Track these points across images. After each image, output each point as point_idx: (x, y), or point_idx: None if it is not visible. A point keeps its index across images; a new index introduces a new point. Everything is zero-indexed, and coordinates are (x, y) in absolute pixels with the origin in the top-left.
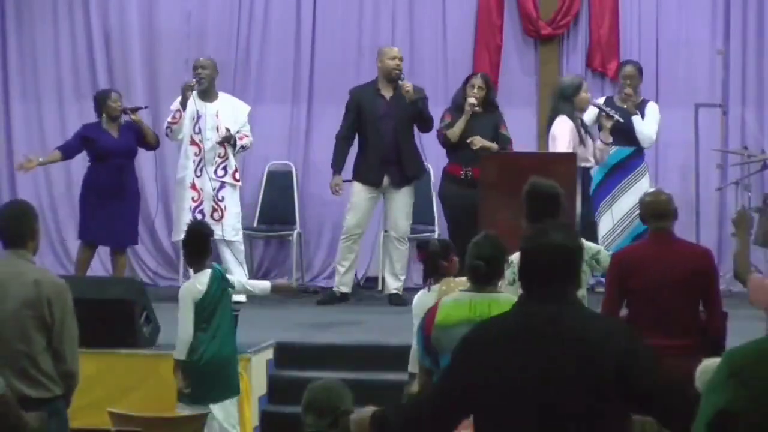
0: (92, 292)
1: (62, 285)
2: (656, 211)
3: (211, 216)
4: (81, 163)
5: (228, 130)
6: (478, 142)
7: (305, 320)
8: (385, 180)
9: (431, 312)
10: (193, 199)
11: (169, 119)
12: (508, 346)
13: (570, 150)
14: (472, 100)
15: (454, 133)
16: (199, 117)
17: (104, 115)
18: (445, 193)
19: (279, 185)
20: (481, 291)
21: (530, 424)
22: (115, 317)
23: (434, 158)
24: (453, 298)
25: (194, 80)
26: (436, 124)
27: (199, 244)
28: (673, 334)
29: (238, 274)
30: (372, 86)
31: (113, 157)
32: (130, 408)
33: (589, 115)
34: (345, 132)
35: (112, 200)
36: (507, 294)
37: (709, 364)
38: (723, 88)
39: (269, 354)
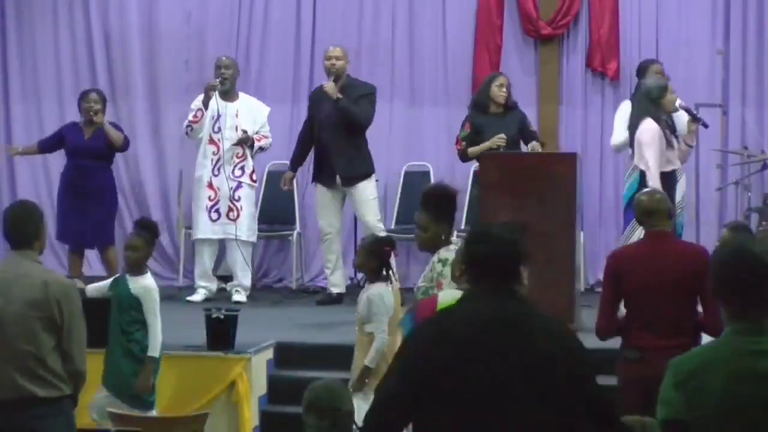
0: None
1: (71, 285)
2: (652, 211)
3: (227, 216)
4: None
5: (245, 131)
6: (536, 148)
7: (305, 320)
8: (338, 179)
9: (425, 305)
10: (209, 198)
11: (190, 118)
12: (460, 341)
13: (658, 154)
14: (502, 142)
15: (472, 155)
16: (218, 116)
17: (82, 114)
18: (472, 196)
19: (279, 185)
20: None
21: (483, 421)
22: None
23: (434, 158)
24: (451, 294)
25: (217, 80)
26: (438, 118)
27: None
28: (669, 333)
29: (242, 278)
30: (320, 87)
31: (80, 157)
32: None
33: (681, 118)
34: (303, 130)
35: (81, 200)
36: None
37: None
38: (723, 88)
39: (269, 354)
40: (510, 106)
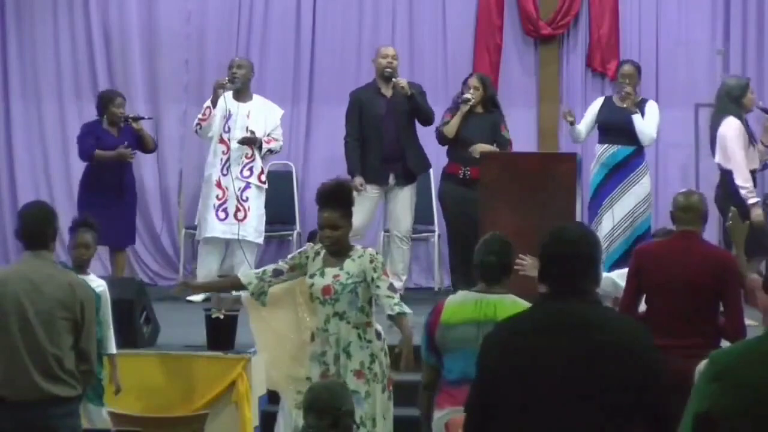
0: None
1: (91, 288)
2: (686, 207)
3: (235, 216)
4: (81, 162)
5: (252, 132)
6: (479, 149)
7: None
8: (391, 178)
9: (436, 310)
10: (217, 197)
11: (200, 116)
12: (532, 342)
13: (744, 152)
14: (467, 96)
15: (450, 128)
16: (229, 116)
17: (105, 117)
18: (444, 193)
19: (279, 185)
20: (489, 291)
21: (554, 421)
22: (115, 317)
23: (434, 158)
24: (461, 297)
25: (226, 78)
26: (438, 118)
27: None
28: (685, 334)
29: None
30: (372, 86)
31: (113, 158)
32: (130, 408)
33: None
34: (354, 134)
35: (110, 200)
36: (512, 296)
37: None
38: None
39: None
40: (489, 107)
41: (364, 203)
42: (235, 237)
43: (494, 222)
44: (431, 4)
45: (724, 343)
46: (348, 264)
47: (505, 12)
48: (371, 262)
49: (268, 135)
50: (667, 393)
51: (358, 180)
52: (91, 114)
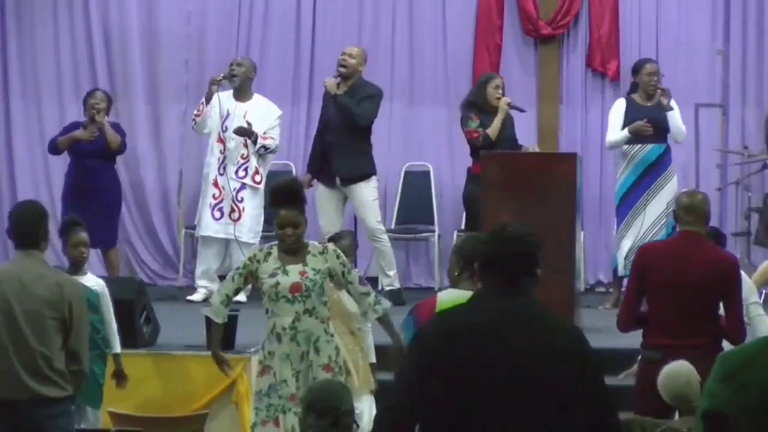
0: None
1: (81, 287)
2: (690, 208)
3: (230, 216)
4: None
5: (249, 123)
6: (534, 149)
7: None
8: (337, 180)
9: (426, 305)
10: (213, 196)
11: (195, 112)
12: (467, 340)
13: None
14: (508, 99)
15: (493, 131)
16: (227, 115)
17: (87, 113)
18: (470, 193)
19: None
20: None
21: (496, 419)
22: (115, 317)
23: (434, 158)
24: (454, 294)
25: (221, 75)
26: (437, 118)
27: None
28: (688, 334)
29: None
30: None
31: (86, 157)
32: (130, 408)
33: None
34: (316, 134)
35: (86, 200)
36: None
37: (665, 371)
38: (723, 88)
39: None
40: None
41: (324, 201)
42: (230, 237)
43: (494, 222)
44: (431, 4)
45: (725, 344)
46: (311, 260)
47: (505, 12)
48: (338, 257)
49: (265, 133)
50: (606, 390)
51: (306, 177)
52: None
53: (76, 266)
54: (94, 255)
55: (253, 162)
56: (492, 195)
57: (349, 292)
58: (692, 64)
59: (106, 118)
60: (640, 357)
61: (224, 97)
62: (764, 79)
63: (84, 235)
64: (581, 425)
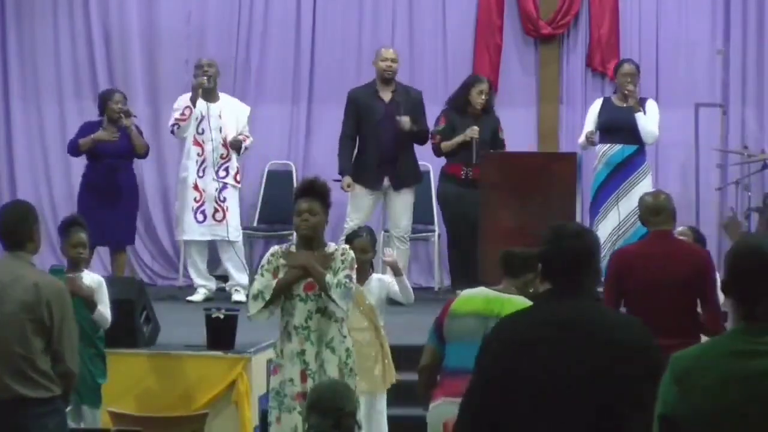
0: None
1: (61, 287)
2: (656, 209)
3: (213, 217)
4: (81, 162)
5: (236, 136)
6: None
7: None
8: (385, 182)
9: (450, 300)
10: (195, 199)
11: (177, 116)
12: (534, 339)
13: None
14: (475, 134)
15: (445, 149)
16: (202, 118)
17: (106, 115)
18: (444, 193)
19: (279, 185)
20: (500, 288)
21: (556, 420)
22: (115, 317)
23: (434, 158)
24: (476, 290)
25: (204, 78)
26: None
27: None
28: (670, 333)
29: (239, 277)
30: (371, 88)
31: (108, 157)
32: (130, 408)
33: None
34: (349, 133)
35: (108, 200)
36: (521, 297)
37: None
38: (723, 88)
39: (269, 354)
40: (486, 110)
41: (360, 205)
42: (216, 238)
43: (494, 222)
44: (431, 4)
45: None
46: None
47: (505, 12)
48: (342, 254)
49: (241, 134)
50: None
51: (347, 180)
52: (91, 114)
53: (75, 266)
54: (95, 255)
55: (234, 162)
56: (492, 195)
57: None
58: (692, 64)
59: (132, 119)
60: None
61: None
62: (764, 79)
63: (83, 236)
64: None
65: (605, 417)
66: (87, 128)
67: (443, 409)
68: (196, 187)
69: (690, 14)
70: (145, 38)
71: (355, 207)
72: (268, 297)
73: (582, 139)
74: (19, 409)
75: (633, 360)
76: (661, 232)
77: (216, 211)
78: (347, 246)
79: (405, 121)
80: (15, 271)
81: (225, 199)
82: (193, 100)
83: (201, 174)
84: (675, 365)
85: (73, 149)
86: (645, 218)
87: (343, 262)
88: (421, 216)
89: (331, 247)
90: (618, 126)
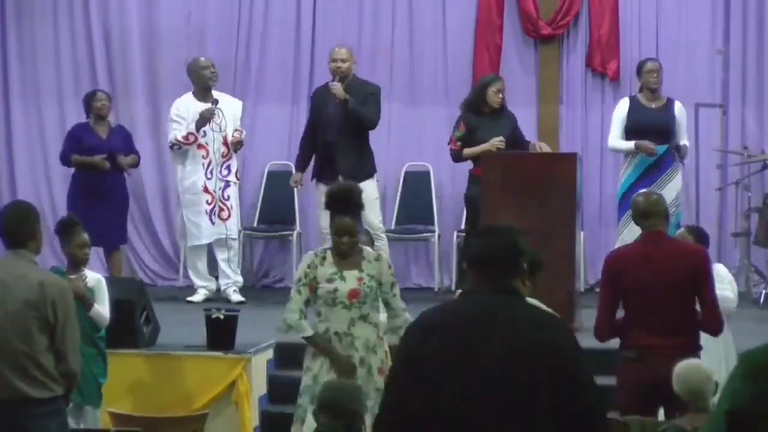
0: None
1: (65, 286)
2: (648, 212)
3: (219, 216)
4: None
5: (236, 133)
6: (543, 147)
7: None
8: (340, 179)
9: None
10: (207, 202)
11: (180, 138)
12: (449, 333)
13: None
14: (501, 145)
15: (467, 156)
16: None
17: (93, 114)
18: (470, 194)
19: (279, 185)
20: None
21: (466, 415)
22: (115, 317)
23: (434, 158)
24: None
25: (213, 105)
26: (434, 118)
27: None
28: (667, 333)
29: (235, 275)
30: (326, 86)
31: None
32: (130, 408)
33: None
34: (307, 130)
35: (97, 200)
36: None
37: (685, 365)
38: (723, 88)
39: (269, 354)
40: (502, 108)
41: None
42: (222, 237)
43: (494, 222)
44: (431, 4)
45: (704, 337)
46: (366, 266)
47: (505, 12)
48: (389, 267)
49: (236, 129)
50: (594, 396)
51: (296, 176)
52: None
53: (77, 266)
54: (94, 255)
55: (235, 159)
56: (492, 195)
57: (388, 303)
58: (692, 64)
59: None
60: (617, 357)
61: (189, 102)
62: (764, 79)
63: (86, 236)
64: (561, 426)
65: (530, 420)
66: (74, 132)
67: None
68: (206, 190)
69: (690, 14)
70: (145, 38)
71: (320, 205)
72: (298, 334)
73: (619, 145)
74: (20, 409)
75: (560, 363)
76: (653, 232)
77: (221, 209)
78: (384, 253)
79: (337, 86)
80: (18, 269)
81: (229, 197)
82: (199, 127)
83: (209, 176)
84: (747, 360)
85: (64, 160)
86: (637, 219)
87: (392, 275)
88: (421, 216)
89: (369, 253)
90: (648, 127)
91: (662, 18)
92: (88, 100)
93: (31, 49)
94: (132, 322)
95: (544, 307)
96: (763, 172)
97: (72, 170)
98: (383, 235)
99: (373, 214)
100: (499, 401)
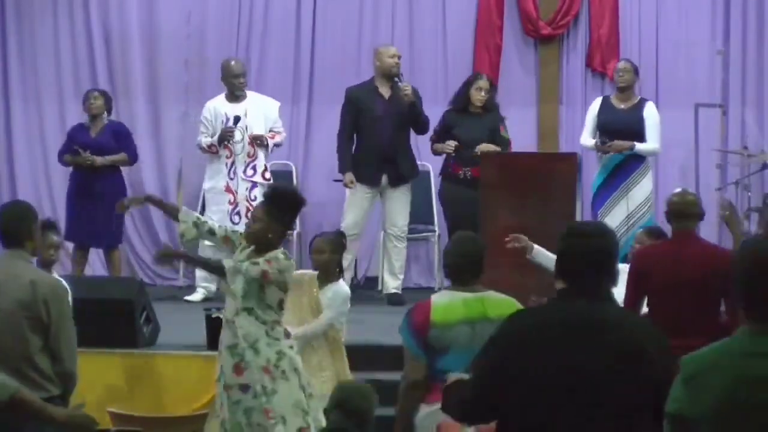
0: (92, 291)
1: (59, 285)
2: (681, 212)
3: (246, 216)
4: None
5: (258, 134)
6: (483, 148)
7: None
8: (383, 179)
9: (420, 309)
10: (229, 202)
11: (209, 145)
12: (546, 339)
13: None
14: (449, 150)
15: (434, 150)
16: (226, 121)
17: (88, 114)
18: (444, 193)
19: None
20: (467, 290)
21: (565, 419)
22: (115, 317)
23: (433, 158)
24: (447, 297)
25: (233, 126)
26: (434, 120)
27: None
28: (690, 334)
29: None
30: (369, 85)
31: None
32: (130, 408)
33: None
34: (348, 131)
35: (90, 200)
36: (493, 292)
37: None
38: (723, 88)
39: None
40: (488, 108)
41: (357, 202)
42: None
43: (494, 222)
44: (431, 4)
45: None
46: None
47: (505, 12)
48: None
49: (271, 130)
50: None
51: (348, 177)
52: None
53: (46, 266)
54: (95, 254)
55: (262, 160)
56: (491, 195)
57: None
58: (692, 64)
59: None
60: None
61: (219, 104)
62: (764, 79)
63: (56, 239)
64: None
65: (623, 421)
66: (70, 132)
67: (442, 418)
68: (228, 190)
69: (690, 14)
70: (145, 38)
71: (352, 205)
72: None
73: (587, 143)
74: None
75: (647, 364)
76: (684, 232)
77: (248, 210)
78: (281, 253)
79: (410, 87)
80: (12, 269)
81: (256, 198)
82: (220, 142)
83: (232, 176)
84: (685, 365)
85: (61, 161)
86: (670, 217)
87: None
88: (421, 216)
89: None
90: (615, 128)
91: (662, 18)
92: (83, 100)
93: (31, 49)
94: (132, 322)
95: (505, 297)
96: (763, 172)
97: (70, 169)
98: (404, 237)
99: (405, 216)
100: (611, 407)
